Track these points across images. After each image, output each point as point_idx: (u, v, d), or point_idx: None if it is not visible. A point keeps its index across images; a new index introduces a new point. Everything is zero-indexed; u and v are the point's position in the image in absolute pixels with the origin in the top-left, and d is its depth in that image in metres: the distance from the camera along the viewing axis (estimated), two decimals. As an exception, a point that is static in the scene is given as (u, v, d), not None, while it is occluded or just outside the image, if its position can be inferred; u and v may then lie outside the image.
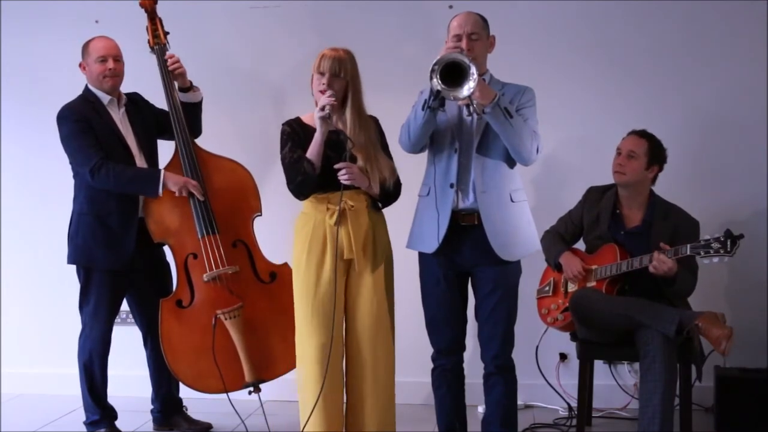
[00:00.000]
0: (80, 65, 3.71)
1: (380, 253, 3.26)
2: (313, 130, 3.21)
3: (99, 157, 3.54)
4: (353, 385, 3.26)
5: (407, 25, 4.29)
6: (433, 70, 2.89)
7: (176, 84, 3.75)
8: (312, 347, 3.19)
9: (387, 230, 3.34)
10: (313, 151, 3.15)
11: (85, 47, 3.70)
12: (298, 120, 3.31)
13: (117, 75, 3.69)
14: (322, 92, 3.15)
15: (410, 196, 3.32)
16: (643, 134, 3.66)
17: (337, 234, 3.16)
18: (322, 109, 3.10)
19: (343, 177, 3.14)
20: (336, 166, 3.15)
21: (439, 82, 2.90)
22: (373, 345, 3.22)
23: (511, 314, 3.21)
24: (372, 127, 3.28)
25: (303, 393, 3.24)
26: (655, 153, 3.64)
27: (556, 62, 4.17)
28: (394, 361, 3.30)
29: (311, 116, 3.29)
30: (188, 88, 3.77)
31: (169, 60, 3.72)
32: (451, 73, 2.90)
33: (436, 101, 2.96)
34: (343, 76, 3.18)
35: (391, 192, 3.27)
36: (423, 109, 3.02)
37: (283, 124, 3.29)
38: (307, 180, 3.15)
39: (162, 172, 3.60)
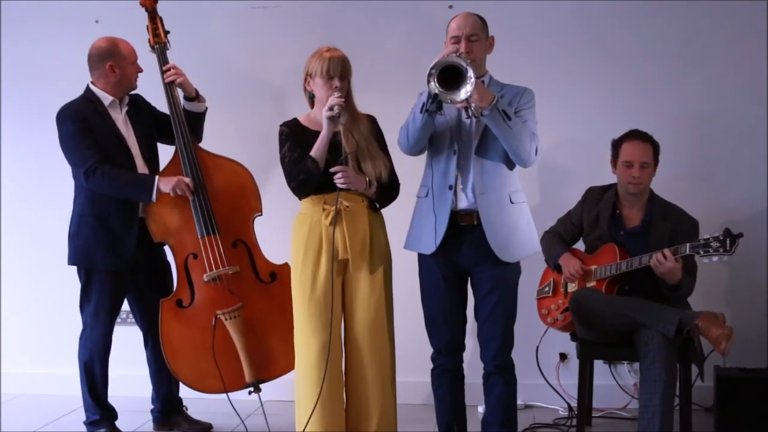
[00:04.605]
0: (110, 67, 3.62)
1: (377, 254, 3.26)
2: (311, 131, 3.24)
3: (95, 160, 3.54)
4: (353, 386, 3.26)
5: (407, 25, 4.28)
6: (430, 74, 2.89)
7: (180, 92, 3.75)
8: (310, 348, 3.19)
9: (385, 231, 3.34)
10: (317, 150, 3.16)
11: (113, 50, 3.64)
12: (295, 121, 3.32)
13: None
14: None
15: (409, 197, 3.32)
16: (645, 138, 3.62)
17: (333, 235, 3.16)
18: (331, 108, 3.11)
19: (338, 181, 3.15)
20: (332, 170, 3.16)
21: (437, 85, 2.90)
22: (371, 345, 3.22)
23: (510, 314, 3.21)
24: (365, 124, 3.29)
25: (300, 393, 3.24)
26: (657, 154, 3.64)
27: (555, 62, 4.17)
28: (395, 361, 3.31)
29: (307, 117, 3.31)
30: (194, 97, 3.78)
31: (167, 72, 3.72)
32: (449, 76, 2.90)
33: (433, 104, 2.96)
34: (348, 77, 3.22)
35: (387, 187, 3.27)
36: (421, 113, 3.02)
37: (281, 125, 3.31)
38: (309, 178, 3.16)
39: (156, 178, 3.60)
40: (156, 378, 3.88)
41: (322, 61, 3.20)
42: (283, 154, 3.25)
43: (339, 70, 3.19)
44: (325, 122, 3.15)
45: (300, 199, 3.29)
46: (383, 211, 3.36)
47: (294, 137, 3.25)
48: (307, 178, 3.16)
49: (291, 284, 3.30)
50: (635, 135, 3.64)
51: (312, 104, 3.33)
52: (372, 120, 3.36)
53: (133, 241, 3.63)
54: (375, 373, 3.23)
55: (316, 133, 3.20)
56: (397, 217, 3.36)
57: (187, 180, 3.59)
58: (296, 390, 3.27)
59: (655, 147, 3.63)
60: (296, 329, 3.27)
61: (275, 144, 3.31)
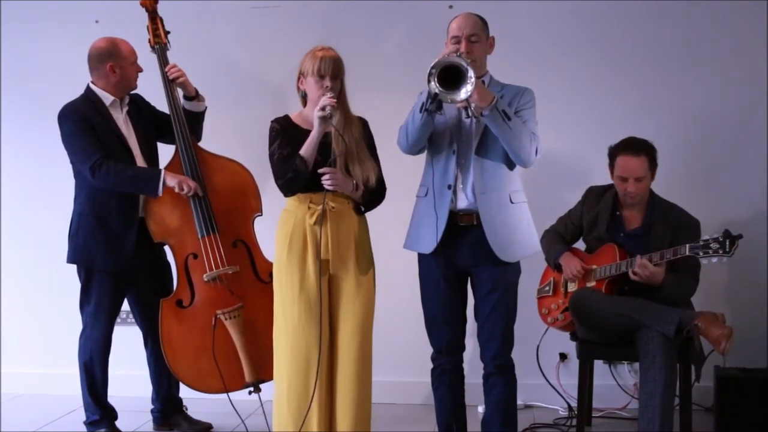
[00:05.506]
0: (110, 67, 3.63)
1: (362, 256, 3.25)
2: (302, 129, 3.23)
3: (99, 156, 3.54)
4: (335, 386, 3.21)
5: (407, 25, 4.28)
6: (430, 74, 2.89)
7: (180, 91, 3.76)
8: (300, 347, 3.16)
9: (368, 234, 3.32)
10: (307, 150, 3.16)
11: (113, 50, 3.64)
12: (287, 118, 3.31)
13: None
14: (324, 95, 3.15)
15: (408, 197, 3.32)
16: (639, 151, 3.55)
17: (320, 234, 3.16)
18: (323, 108, 3.10)
19: (326, 182, 3.14)
20: (320, 171, 3.15)
21: (437, 85, 2.90)
22: (356, 347, 3.18)
23: (510, 314, 3.21)
24: (357, 127, 3.28)
25: (287, 394, 3.19)
26: (653, 161, 3.59)
27: (555, 63, 4.17)
28: (371, 361, 3.26)
29: (299, 115, 3.31)
30: (193, 96, 3.78)
31: (169, 70, 3.73)
32: (449, 75, 2.90)
33: (433, 104, 2.96)
34: (340, 77, 3.21)
35: (373, 191, 3.26)
36: (420, 112, 3.02)
37: (272, 122, 3.30)
38: (297, 177, 3.15)
39: (162, 171, 3.61)
40: (156, 378, 3.88)
41: (314, 60, 3.19)
42: (272, 150, 3.23)
43: (331, 70, 3.17)
44: (316, 122, 3.14)
45: (286, 196, 3.28)
46: (382, 211, 3.36)
47: (284, 134, 3.24)
48: (295, 176, 3.15)
49: (273, 278, 3.27)
50: (629, 149, 3.58)
51: (304, 103, 3.32)
52: (364, 123, 3.34)
53: (132, 241, 3.63)
54: (358, 375, 3.19)
55: (307, 132, 3.19)
56: (396, 217, 3.36)
57: (193, 184, 3.60)
58: (279, 392, 3.22)
59: (650, 156, 3.57)
60: (281, 328, 3.23)
61: (274, 144, 3.31)
